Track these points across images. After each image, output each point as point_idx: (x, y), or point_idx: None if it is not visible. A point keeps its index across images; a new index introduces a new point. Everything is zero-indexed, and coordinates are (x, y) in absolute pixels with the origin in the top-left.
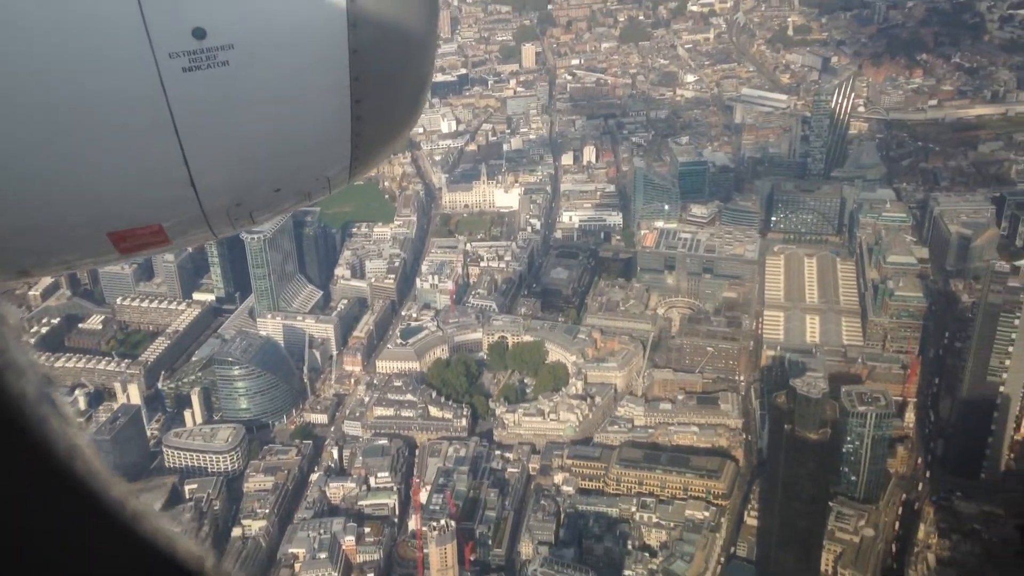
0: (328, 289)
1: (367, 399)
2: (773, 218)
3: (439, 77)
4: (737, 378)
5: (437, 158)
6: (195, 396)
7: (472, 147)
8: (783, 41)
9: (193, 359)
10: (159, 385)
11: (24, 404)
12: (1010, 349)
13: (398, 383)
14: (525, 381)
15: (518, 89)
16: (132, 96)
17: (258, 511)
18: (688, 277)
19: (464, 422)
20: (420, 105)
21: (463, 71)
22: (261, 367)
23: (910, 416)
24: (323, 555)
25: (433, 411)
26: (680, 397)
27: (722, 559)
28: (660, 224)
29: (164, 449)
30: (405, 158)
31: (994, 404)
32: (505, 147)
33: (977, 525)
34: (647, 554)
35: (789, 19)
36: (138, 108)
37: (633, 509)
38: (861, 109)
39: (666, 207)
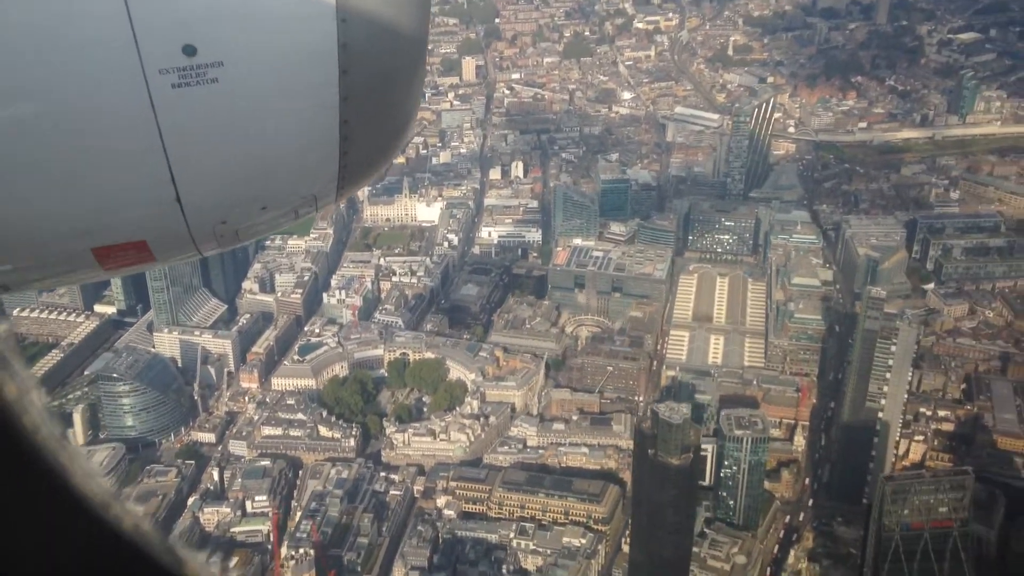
0: (235, 303)
1: (256, 417)
2: (690, 237)
3: None
4: (636, 398)
5: None
6: (78, 414)
7: (399, 160)
8: (723, 60)
9: (86, 374)
10: None
11: (19, 411)
12: (887, 375)
13: (290, 401)
14: (424, 400)
15: (455, 102)
16: (121, 111)
17: None
18: (598, 296)
19: (353, 442)
20: (407, 130)
21: None
22: (147, 383)
23: (799, 440)
24: None
25: (323, 430)
26: (575, 417)
27: None
28: (578, 241)
29: None
30: None
31: (874, 430)
32: (433, 160)
33: (854, 550)
34: None
35: (731, 38)
36: (126, 124)
37: (511, 535)
38: (792, 130)
39: (585, 224)
